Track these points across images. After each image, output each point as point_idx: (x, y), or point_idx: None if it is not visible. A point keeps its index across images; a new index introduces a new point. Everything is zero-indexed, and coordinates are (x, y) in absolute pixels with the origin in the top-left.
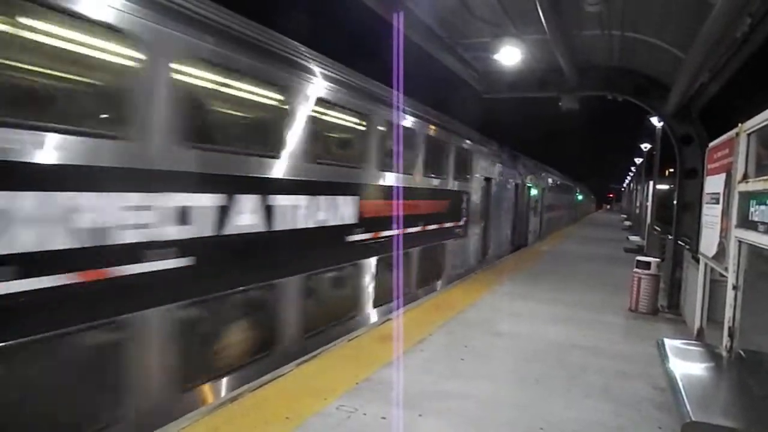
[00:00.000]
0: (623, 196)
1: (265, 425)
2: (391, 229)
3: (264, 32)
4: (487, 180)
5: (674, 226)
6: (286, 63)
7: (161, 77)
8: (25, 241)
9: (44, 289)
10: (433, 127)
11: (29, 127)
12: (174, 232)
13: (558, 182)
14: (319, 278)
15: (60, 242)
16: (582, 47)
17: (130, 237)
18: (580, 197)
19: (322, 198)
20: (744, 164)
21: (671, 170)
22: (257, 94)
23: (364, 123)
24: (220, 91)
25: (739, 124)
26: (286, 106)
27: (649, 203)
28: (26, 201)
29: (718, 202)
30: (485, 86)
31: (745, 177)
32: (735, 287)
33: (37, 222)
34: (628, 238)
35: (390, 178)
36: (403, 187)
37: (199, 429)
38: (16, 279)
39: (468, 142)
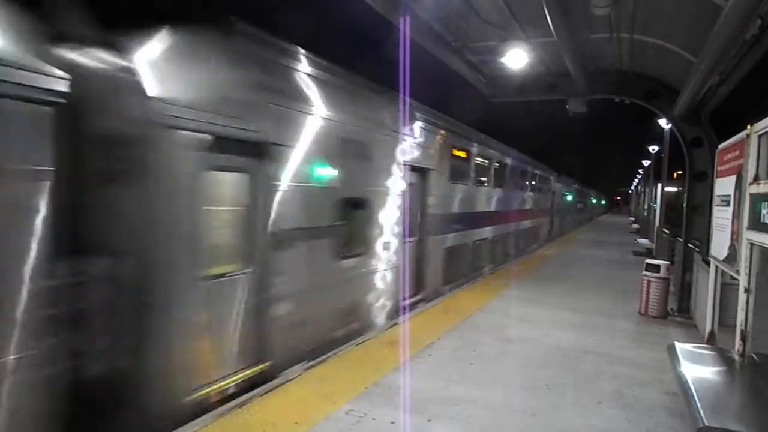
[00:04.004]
0: (631, 198)
1: (274, 429)
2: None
3: None
4: (587, 199)
5: (684, 229)
6: None
7: None
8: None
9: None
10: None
11: None
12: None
13: (596, 194)
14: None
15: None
16: (590, 50)
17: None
18: (603, 202)
19: None
20: (755, 166)
21: (680, 172)
22: None
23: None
24: None
25: (750, 126)
26: None
27: (658, 206)
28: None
29: (728, 205)
30: (493, 90)
31: (756, 179)
32: (747, 290)
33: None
34: (636, 241)
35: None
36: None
37: None
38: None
39: (590, 192)
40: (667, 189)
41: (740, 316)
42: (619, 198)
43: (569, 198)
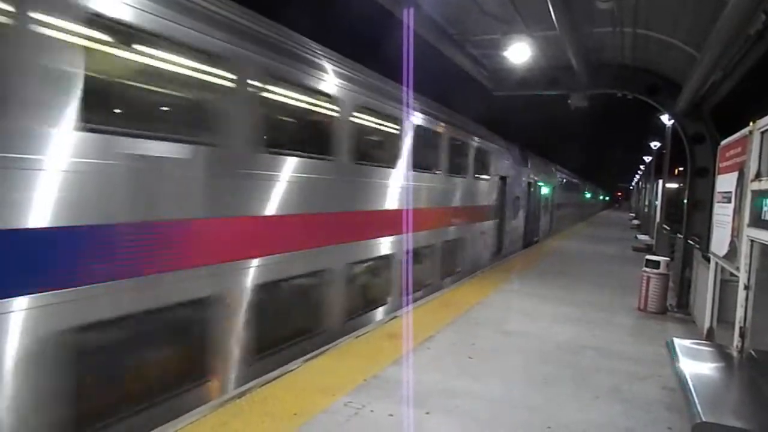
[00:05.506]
0: (631, 194)
1: (273, 421)
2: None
3: None
4: (597, 196)
5: (684, 225)
6: None
7: None
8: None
9: None
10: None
11: None
12: None
13: (601, 192)
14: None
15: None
16: (593, 44)
17: None
18: (607, 198)
19: None
20: (757, 163)
21: (681, 168)
22: None
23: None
24: None
25: (752, 123)
26: None
27: (659, 202)
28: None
29: (729, 201)
30: (495, 84)
31: (758, 176)
32: (746, 287)
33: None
34: (636, 237)
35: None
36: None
37: (207, 423)
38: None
39: (598, 189)
40: (668, 185)
41: (739, 313)
42: (620, 194)
43: (588, 195)
